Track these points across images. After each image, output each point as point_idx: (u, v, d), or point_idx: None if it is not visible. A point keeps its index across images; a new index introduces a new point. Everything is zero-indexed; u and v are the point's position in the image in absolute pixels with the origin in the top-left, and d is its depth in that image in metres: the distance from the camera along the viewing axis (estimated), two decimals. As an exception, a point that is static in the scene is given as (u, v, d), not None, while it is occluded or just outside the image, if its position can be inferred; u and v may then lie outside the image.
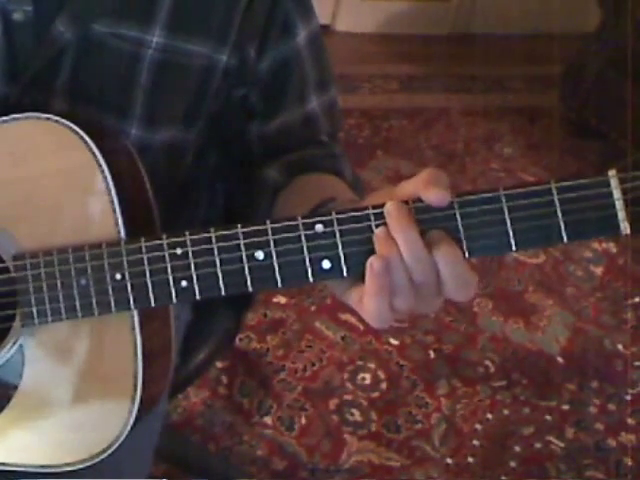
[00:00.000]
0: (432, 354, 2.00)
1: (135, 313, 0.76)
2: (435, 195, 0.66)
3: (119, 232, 0.76)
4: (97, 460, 0.79)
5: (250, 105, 0.95)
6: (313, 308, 2.06)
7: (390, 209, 0.67)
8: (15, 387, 0.80)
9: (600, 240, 2.42)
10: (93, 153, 0.76)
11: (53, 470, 0.81)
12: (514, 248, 0.66)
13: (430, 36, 3.42)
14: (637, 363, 2.07)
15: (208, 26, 0.88)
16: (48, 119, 0.78)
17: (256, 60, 0.92)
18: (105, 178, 0.76)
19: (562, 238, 0.65)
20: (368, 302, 0.68)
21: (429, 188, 0.66)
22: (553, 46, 2.93)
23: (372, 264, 0.67)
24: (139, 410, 0.78)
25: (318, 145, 0.98)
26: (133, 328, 0.76)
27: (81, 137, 0.77)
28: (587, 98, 2.78)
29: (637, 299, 2.26)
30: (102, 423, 0.79)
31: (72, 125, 0.77)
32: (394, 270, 0.67)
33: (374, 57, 3.26)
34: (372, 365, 1.95)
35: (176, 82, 0.90)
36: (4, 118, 0.79)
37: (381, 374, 1.93)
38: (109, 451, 0.78)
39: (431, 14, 3.46)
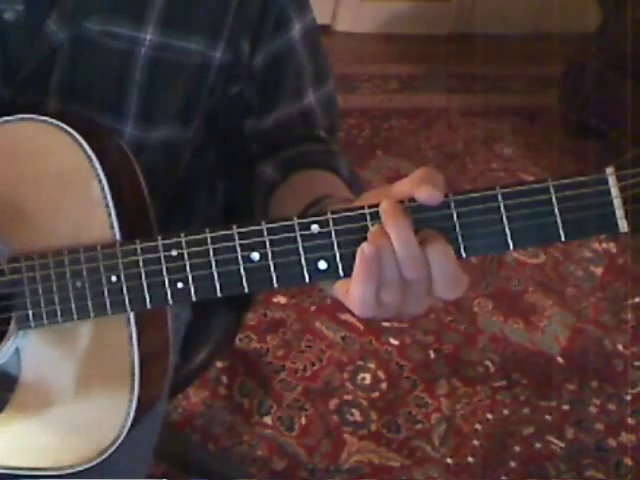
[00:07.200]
0: (432, 354, 2.00)
1: (131, 315, 0.76)
2: (427, 193, 0.65)
3: (114, 234, 0.75)
4: (95, 462, 0.78)
5: (246, 101, 0.94)
6: (313, 308, 2.06)
7: (385, 207, 0.66)
8: (12, 391, 0.80)
9: (600, 240, 2.42)
10: (87, 155, 0.76)
11: (52, 472, 0.80)
12: (512, 247, 0.66)
13: (430, 36, 3.42)
14: (637, 363, 2.07)
15: (201, 23, 0.88)
16: (41, 121, 0.77)
17: (250, 55, 0.92)
18: (100, 180, 0.76)
19: (560, 237, 0.65)
20: (355, 288, 0.67)
21: (421, 186, 0.65)
22: (553, 46, 2.93)
23: (363, 249, 0.66)
24: (137, 411, 0.77)
25: (315, 141, 0.97)
26: (129, 329, 0.76)
27: (75, 139, 0.76)
28: (587, 98, 2.78)
29: (637, 299, 2.25)
30: (100, 425, 0.78)
31: (66, 127, 0.76)
32: (385, 261, 0.66)
33: (374, 57, 3.26)
34: (372, 365, 1.95)
35: (171, 80, 0.89)
36: None
37: (381, 374, 1.93)
38: (107, 453, 0.78)
39: (431, 14, 3.45)
